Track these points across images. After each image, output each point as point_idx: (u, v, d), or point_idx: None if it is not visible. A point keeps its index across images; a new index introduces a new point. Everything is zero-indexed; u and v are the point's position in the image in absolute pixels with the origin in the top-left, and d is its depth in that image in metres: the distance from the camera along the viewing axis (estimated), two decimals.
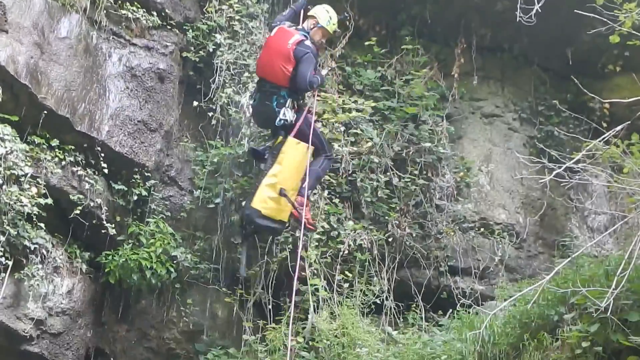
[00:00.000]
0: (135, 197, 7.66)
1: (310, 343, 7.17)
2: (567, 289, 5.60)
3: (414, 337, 7.21)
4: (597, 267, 6.02)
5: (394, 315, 8.04)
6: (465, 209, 8.50)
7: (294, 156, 6.56)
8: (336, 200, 7.93)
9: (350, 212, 8.02)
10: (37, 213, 7.01)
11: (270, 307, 7.94)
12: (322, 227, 7.50)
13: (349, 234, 7.66)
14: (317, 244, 7.76)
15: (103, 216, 7.58)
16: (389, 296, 7.96)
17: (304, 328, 7.41)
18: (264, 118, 6.95)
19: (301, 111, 6.79)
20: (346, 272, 7.64)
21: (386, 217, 8.02)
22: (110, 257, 7.68)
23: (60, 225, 7.70)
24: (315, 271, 7.66)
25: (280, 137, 6.70)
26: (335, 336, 7.06)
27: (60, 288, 7.74)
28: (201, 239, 8.02)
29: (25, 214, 6.99)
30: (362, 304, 7.85)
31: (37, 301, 7.50)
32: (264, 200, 6.32)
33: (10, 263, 6.92)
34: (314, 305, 7.46)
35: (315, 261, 7.60)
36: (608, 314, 4.58)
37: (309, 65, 6.59)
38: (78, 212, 7.32)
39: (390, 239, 7.96)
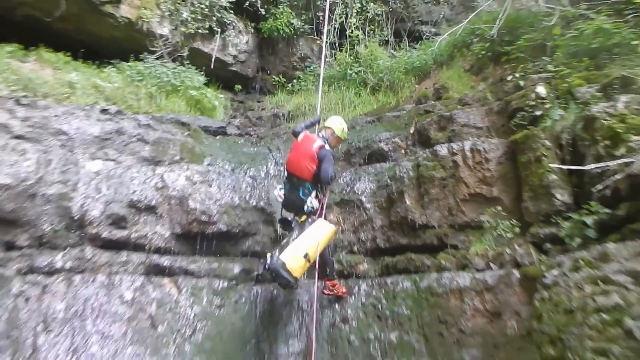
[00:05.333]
0: None
1: (354, 60, 12.39)
2: None
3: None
4: None
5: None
6: None
7: (320, 232, 7.41)
8: None
9: None
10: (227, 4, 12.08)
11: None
12: None
13: None
14: None
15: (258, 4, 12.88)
16: None
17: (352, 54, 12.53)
18: (291, 203, 7.73)
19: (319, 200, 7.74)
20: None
21: None
22: (264, 25, 13.28)
23: (237, 10, 13.06)
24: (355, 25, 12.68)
25: (305, 216, 7.62)
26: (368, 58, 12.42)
27: (242, 40, 13.51)
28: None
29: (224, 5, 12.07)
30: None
31: (233, 47, 13.33)
32: (292, 259, 7.04)
33: (219, 30, 12.66)
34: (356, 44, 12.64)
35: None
36: None
37: (330, 164, 7.47)
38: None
39: None
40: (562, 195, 7.27)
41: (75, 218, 7.93)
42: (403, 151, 9.32)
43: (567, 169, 7.08)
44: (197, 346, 7.68)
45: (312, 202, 7.48)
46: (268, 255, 7.10)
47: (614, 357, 5.09)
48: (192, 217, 8.40)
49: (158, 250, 8.28)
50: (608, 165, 6.13)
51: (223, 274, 8.46)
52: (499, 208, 7.87)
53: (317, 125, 8.43)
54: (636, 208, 6.39)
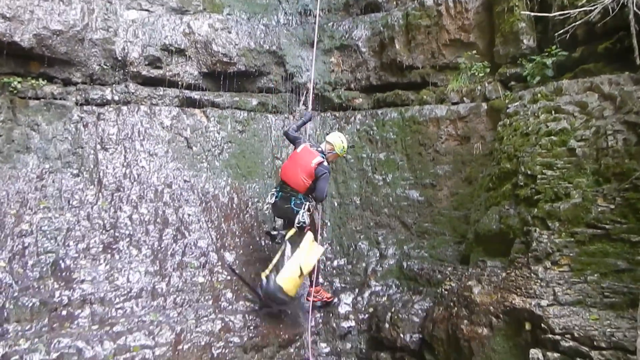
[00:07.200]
0: None
1: None
2: None
3: None
4: None
5: None
6: None
7: (315, 255, 6.34)
8: None
9: None
10: None
11: None
12: None
13: None
14: None
15: None
16: None
17: None
18: (282, 212, 6.60)
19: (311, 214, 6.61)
20: None
21: None
22: None
23: None
24: None
25: (293, 230, 6.44)
26: None
27: None
28: None
29: None
30: None
31: None
32: (288, 280, 6.05)
33: None
34: None
35: None
36: None
37: (326, 182, 6.40)
38: None
39: None
40: (528, 40, 7.19)
41: (119, 59, 7.91)
42: (395, 2, 8.94)
43: (534, 16, 6.93)
44: (225, 162, 7.93)
45: (304, 216, 6.43)
46: (263, 276, 6.13)
47: (557, 169, 5.30)
48: (216, 58, 8.32)
49: (189, 87, 8.28)
50: (570, 13, 5.95)
51: (243, 105, 8.52)
52: (474, 52, 7.80)
53: (308, 124, 7.44)
54: (589, 51, 6.34)
